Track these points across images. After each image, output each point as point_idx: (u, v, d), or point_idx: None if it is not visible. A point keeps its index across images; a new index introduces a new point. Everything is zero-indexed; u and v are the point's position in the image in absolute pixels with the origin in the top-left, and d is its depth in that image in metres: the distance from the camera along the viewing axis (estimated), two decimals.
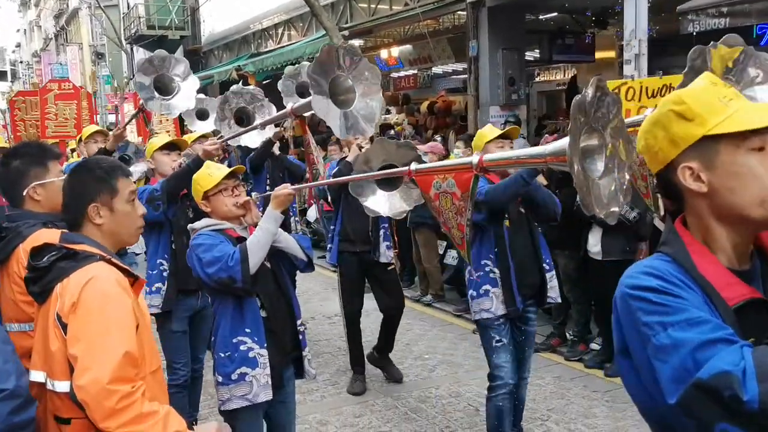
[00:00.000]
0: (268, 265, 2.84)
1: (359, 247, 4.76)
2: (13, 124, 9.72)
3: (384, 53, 13.49)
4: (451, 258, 7.12)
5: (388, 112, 13.85)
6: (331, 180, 4.32)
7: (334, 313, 6.25)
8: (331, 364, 5.49)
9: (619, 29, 6.76)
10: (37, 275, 1.94)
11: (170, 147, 4.07)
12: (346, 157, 4.89)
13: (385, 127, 11.60)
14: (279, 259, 2.96)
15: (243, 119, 4.63)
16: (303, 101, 3.40)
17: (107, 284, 1.87)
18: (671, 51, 9.09)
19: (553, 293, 3.77)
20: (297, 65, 5.12)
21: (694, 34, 7.90)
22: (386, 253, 4.78)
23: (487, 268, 3.62)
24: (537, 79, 14.19)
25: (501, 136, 3.66)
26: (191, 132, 5.93)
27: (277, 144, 5.79)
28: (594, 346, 5.33)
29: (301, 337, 3.00)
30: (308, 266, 3.05)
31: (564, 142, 1.81)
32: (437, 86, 15.73)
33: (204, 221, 2.91)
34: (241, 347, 2.78)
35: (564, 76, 13.30)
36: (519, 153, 2.77)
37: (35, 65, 42.03)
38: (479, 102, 9.76)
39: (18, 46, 58.38)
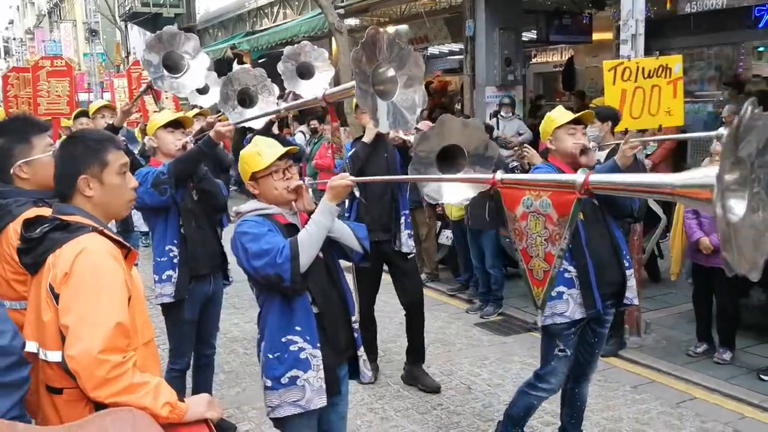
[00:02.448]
0: (321, 255, 2.55)
1: (378, 236, 4.32)
2: (5, 101, 9.61)
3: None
4: (446, 238, 7.14)
5: None
6: (398, 177, 4.16)
7: None
8: None
9: (616, 10, 6.71)
10: (30, 246, 1.94)
11: (174, 125, 3.77)
12: (360, 137, 4.59)
13: None
14: (332, 249, 2.69)
15: (246, 101, 4.41)
16: (339, 87, 3.15)
17: (99, 255, 1.87)
18: (668, 32, 9.06)
19: (630, 293, 3.34)
20: (297, 45, 4.91)
21: (692, 14, 7.87)
22: (408, 242, 4.48)
23: (560, 267, 3.22)
24: (534, 61, 14.11)
25: (573, 121, 3.28)
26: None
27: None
28: None
29: (356, 335, 2.73)
30: (364, 259, 2.76)
31: (702, 174, 1.47)
32: (433, 66, 15.64)
33: (250, 204, 2.65)
34: (292, 347, 2.52)
35: (561, 57, 13.22)
36: (637, 180, 2.10)
37: (29, 42, 41.58)
38: (475, 82, 9.71)
39: (11, 22, 57.70)
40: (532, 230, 2.28)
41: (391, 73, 2.58)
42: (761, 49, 9.65)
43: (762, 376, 4.50)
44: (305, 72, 4.79)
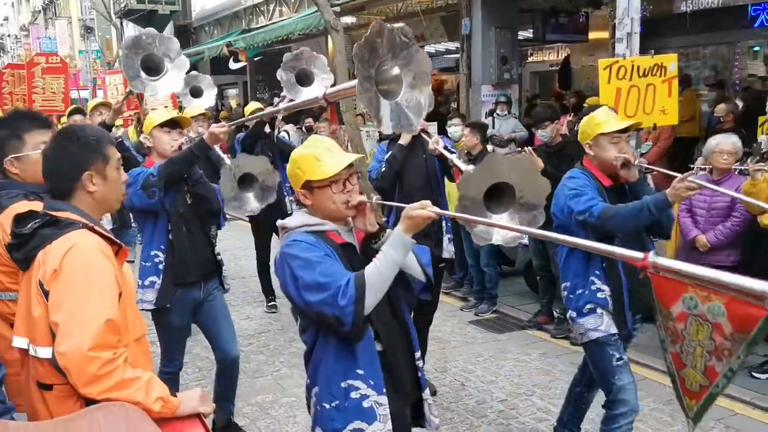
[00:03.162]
0: None
1: (420, 242, 4.17)
2: (0, 98, 9.58)
3: None
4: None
5: None
6: (470, 218, 3.37)
7: None
8: None
9: (612, 9, 6.72)
10: (20, 242, 1.93)
11: (171, 124, 3.56)
12: (395, 138, 4.32)
13: None
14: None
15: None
16: (340, 86, 3.02)
17: (89, 252, 1.87)
18: (664, 31, 9.08)
19: None
20: (296, 51, 4.78)
21: (688, 13, 7.89)
22: (448, 247, 4.33)
23: (593, 286, 3.08)
24: (530, 59, 14.13)
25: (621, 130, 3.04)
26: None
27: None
28: None
29: (420, 374, 2.35)
30: (426, 290, 2.36)
31: None
32: None
33: (300, 218, 2.24)
34: (353, 394, 2.13)
35: (557, 56, 13.23)
36: None
37: (23, 39, 41.40)
38: (471, 81, 9.71)
39: (6, 19, 57.43)
40: (693, 337, 1.78)
41: (395, 71, 2.36)
42: (756, 48, 9.68)
43: (754, 374, 4.52)
44: (304, 79, 4.68)
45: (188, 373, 4.83)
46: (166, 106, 9.23)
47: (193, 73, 5.88)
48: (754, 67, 9.78)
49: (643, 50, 5.47)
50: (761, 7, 8.24)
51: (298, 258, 2.09)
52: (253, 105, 6.38)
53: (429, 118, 10.34)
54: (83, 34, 25.55)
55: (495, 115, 8.93)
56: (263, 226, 5.61)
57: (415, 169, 4.24)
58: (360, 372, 2.13)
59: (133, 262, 5.13)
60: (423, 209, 2.04)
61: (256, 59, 16.80)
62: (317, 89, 4.62)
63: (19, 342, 1.93)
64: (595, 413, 4.09)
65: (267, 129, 5.93)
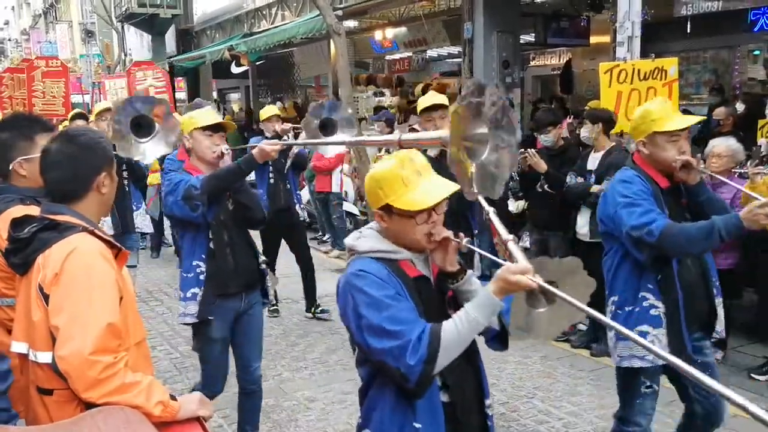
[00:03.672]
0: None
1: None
2: None
3: (378, 35, 13.41)
4: None
5: (382, 94, 13.78)
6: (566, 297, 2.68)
7: (325, 294, 6.27)
8: (320, 343, 5.51)
9: (613, 13, 6.73)
10: (18, 246, 1.93)
11: (214, 128, 3.32)
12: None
13: (378, 109, 11.56)
14: None
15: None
16: (421, 135, 2.73)
17: (90, 255, 1.87)
18: (665, 35, 9.09)
19: (719, 326, 2.85)
20: (321, 101, 4.76)
21: (688, 18, 7.90)
22: (480, 266, 4.15)
23: (645, 303, 2.75)
24: (532, 63, 14.14)
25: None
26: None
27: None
28: (581, 326, 5.36)
29: (489, 423, 2.09)
30: (498, 339, 2.03)
31: None
32: (432, 69, 15.66)
33: (371, 242, 1.98)
34: None
35: (559, 61, 13.25)
36: None
37: (24, 43, 41.51)
38: None
39: (6, 23, 57.59)
40: None
41: (483, 130, 2.15)
42: (756, 52, 9.69)
43: (753, 375, 4.52)
44: (329, 127, 4.25)
45: (189, 378, 4.83)
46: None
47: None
48: (754, 71, 9.78)
49: (644, 54, 5.47)
50: (761, 11, 8.26)
51: (365, 293, 1.85)
52: (270, 109, 6.25)
53: None
54: (84, 38, 25.60)
55: None
56: (271, 231, 5.56)
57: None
58: (417, 426, 1.89)
59: (135, 266, 5.11)
60: (524, 275, 1.71)
61: (258, 63, 16.81)
62: (341, 137, 4.29)
63: (18, 347, 1.93)
64: (593, 415, 4.09)
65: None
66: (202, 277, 3.30)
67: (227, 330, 3.39)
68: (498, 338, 2.03)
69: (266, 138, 5.96)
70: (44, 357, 1.84)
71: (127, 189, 5.25)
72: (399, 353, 1.77)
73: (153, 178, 7.16)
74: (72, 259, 1.83)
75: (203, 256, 3.30)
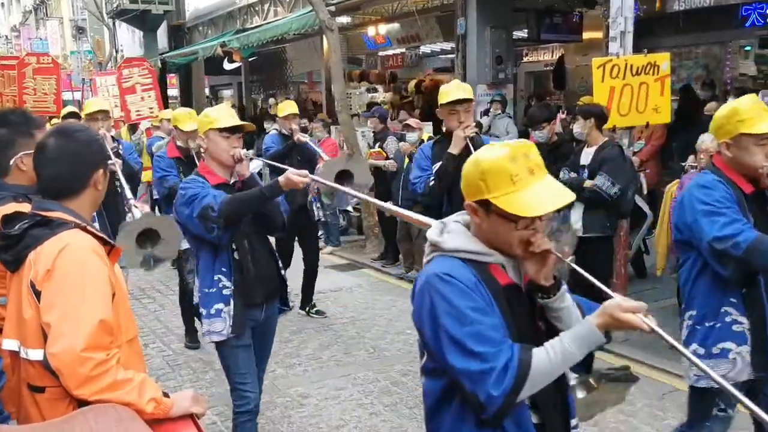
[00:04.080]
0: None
1: None
2: None
3: (371, 30, 13.38)
4: None
5: (375, 90, 13.76)
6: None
7: (318, 290, 6.27)
8: (314, 339, 5.50)
9: (606, 8, 6.74)
10: (9, 243, 1.91)
11: (231, 129, 3.09)
12: (439, 140, 3.92)
13: (371, 105, 11.53)
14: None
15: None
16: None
17: (83, 252, 1.85)
18: (657, 31, 9.11)
19: None
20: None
21: (680, 13, 7.92)
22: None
23: (728, 318, 2.54)
24: (525, 59, 14.15)
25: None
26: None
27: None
28: None
29: None
30: (583, 365, 1.76)
31: None
32: (425, 65, 15.64)
33: (459, 240, 1.75)
34: None
35: (552, 56, 13.26)
36: None
37: (14, 40, 41.20)
38: (466, 81, 9.70)
39: None
40: None
41: None
42: (747, 48, 9.73)
43: None
44: (345, 178, 3.89)
45: (182, 375, 4.82)
46: (151, 108, 9.14)
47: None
48: (745, 67, 9.83)
49: (637, 50, 5.48)
50: (752, 7, 8.29)
51: (448, 301, 1.64)
52: (289, 106, 5.90)
53: (425, 118, 10.40)
54: (75, 35, 25.44)
55: (489, 114, 8.96)
56: (287, 231, 5.33)
57: None
58: None
59: (124, 267, 4.90)
60: (635, 314, 1.54)
61: (250, 59, 16.75)
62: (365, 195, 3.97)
63: (9, 345, 1.92)
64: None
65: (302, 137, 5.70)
66: (225, 291, 3.07)
67: (249, 336, 3.20)
68: (583, 364, 1.78)
69: (282, 135, 5.79)
70: (36, 354, 1.83)
71: (119, 190, 4.76)
72: (480, 379, 1.58)
73: (145, 176, 7.14)
74: (64, 255, 1.82)
75: (224, 269, 3.07)
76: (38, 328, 1.81)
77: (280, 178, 2.98)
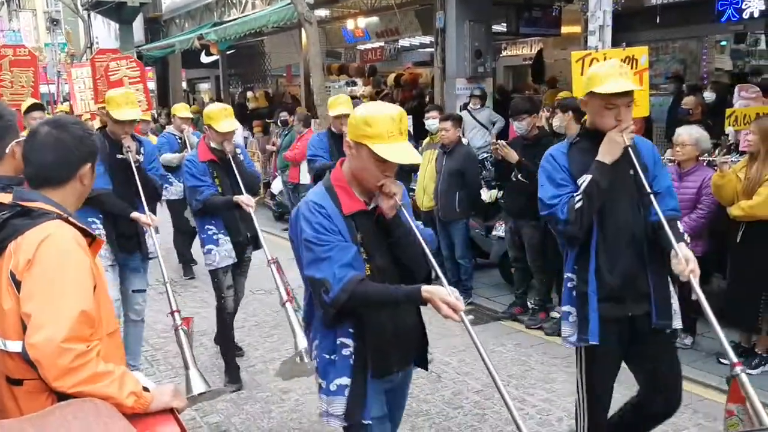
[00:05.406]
0: None
1: (629, 308, 2.88)
2: None
3: (350, 24, 13.32)
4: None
5: (354, 84, 13.71)
6: None
7: (299, 284, 6.23)
8: None
9: (585, 3, 6.78)
10: None
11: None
12: (573, 140, 2.94)
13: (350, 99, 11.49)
14: None
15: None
16: None
17: (64, 242, 1.83)
18: (635, 25, 9.19)
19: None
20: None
21: (658, 7, 8.00)
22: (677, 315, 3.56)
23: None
24: (504, 54, 14.20)
25: None
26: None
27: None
28: (554, 314, 5.43)
29: None
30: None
31: None
32: (404, 59, 15.63)
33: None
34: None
35: (531, 50, 13.33)
36: None
37: None
38: (445, 75, 9.72)
39: None
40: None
41: None
42: (723, 42, 9.87)
43: (721, 360, 4.62)
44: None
45: (160, 371, 4.77)
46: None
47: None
48: (721, 61, 9.98)
49: (615, 44, 5.52)
50: (728, 2, 8.39)
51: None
52: (344, 100, 5.46)
53: (407, 112, 10.34)
54: (49, 27, 24.97)
55: (469, 108, 8.97)
56: None
57: (623, 202, 2.72)
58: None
59: (144, 291, 4.61)
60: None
61: (228, 53, 16.59)
62: None
63: None
64: (567, 401, 4.14)
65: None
66: (353, 360, 2.30)
67: (383, 407, 2.45)
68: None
69: (332, 134, 5.41)
70: (14, 346, 1.79)
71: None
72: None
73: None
74: (46, 245, 1.79)
75: (352, 330, 2.29)
76: (17, 319, 1.78)
77: (425, 293, 2.13)
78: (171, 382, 4.49)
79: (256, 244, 4.45)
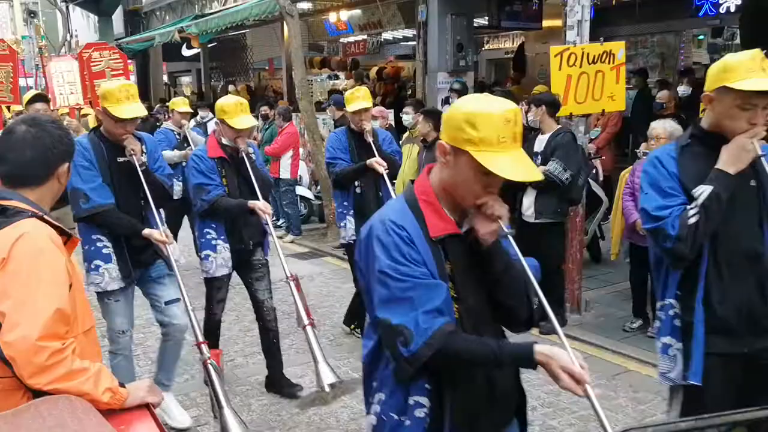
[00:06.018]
0: None
1: None
2: None
3: (333, 17, 13.29)
4: None
5: (336, 77, 13.70)
6: None
7: (280, 278, 6.25)
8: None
9: None
10: None
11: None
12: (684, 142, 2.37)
13: (332, 93, 11.48)
14: None
15: None
16: None
17: (40, 240, 1.83)
18: (614, 20, 9.28)
19: None
20: None
21: (637, 2, 8.08)
22: None
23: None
24: (486, 47, 14.26)
25: None
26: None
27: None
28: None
29: None
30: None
31: None
32: (386, 52, 15.63)
33: None
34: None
35: (512, 44, 13.39)
36: None
37: None
38: (427, 68, 9.74)
39: None
40: None
41: None
42: (701, 37, 9.99)
43: (626, 328, 4.92)
44: None
45: (140, 366, 4.77)
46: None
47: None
48: (698, 55, 10.10)
49: (594, 38, 5.57)
50: None
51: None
52: (363, 93, 4.74)
53: (386, 106, 10.35)
54: (26, 19, 24.57)
55: (450, 101, 9.01)
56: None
57: (741, 220, 2.33)
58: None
59: (178, 300, 4.38)
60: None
61: (210, 46, 16.48)
62: None
63: None
64: (542, 391, 4.20)
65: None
66: (428, 423, 1.80)
67: None
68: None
69: (351, 131, 4.75)
70: None
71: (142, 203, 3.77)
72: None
73: None
74: (21, 244, 1.79)
75: (428, 387, 1.80)
76: None
77: (539, 355, 1.70)
78: (148, 377, 4.48)
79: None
